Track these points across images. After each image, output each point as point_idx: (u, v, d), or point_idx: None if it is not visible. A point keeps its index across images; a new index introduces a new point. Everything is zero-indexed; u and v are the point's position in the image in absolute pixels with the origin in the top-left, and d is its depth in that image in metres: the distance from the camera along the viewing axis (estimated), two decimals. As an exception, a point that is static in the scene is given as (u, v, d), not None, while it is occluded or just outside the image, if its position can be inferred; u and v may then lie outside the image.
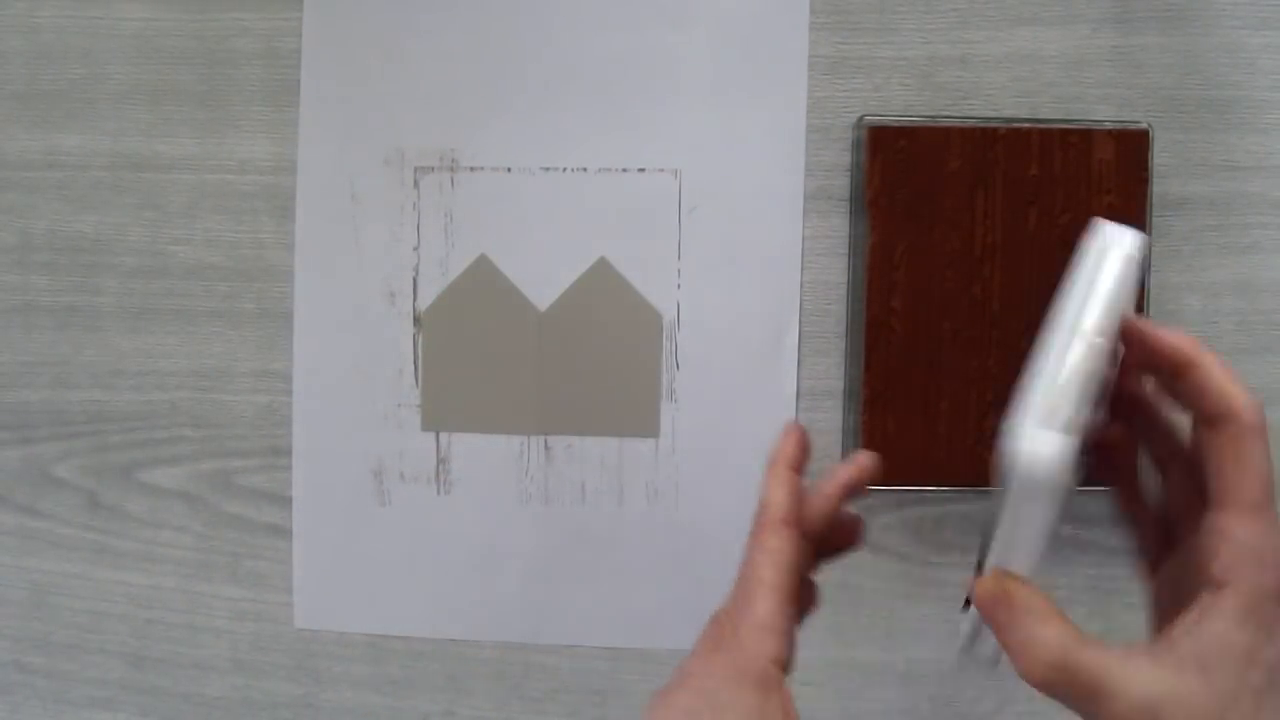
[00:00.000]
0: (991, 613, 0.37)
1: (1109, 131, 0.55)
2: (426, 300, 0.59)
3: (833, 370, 0.58)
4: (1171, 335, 0.38)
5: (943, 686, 0.59)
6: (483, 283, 0.59)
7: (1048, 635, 0.35)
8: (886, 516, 0.59)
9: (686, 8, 0.57)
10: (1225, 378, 0.37)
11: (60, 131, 0.60)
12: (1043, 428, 0.35)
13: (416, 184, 0.59)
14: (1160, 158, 0.56)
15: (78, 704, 0.62)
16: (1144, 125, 0.55)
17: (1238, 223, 0.57)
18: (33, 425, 0.61)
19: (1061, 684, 0.35)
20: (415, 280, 0.59)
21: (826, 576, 0.59)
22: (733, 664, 0.38)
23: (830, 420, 0.58)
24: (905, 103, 0.57)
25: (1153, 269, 0.56)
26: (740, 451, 0.58)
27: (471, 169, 0.59)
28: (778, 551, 0.41)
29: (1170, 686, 0.34)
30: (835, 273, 0.58)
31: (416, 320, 0.59)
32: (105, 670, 0.61)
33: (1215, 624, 0.35)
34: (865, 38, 0.57)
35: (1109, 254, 0.40)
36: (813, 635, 0.59)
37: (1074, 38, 0.56)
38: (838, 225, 0.57)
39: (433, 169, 0.59)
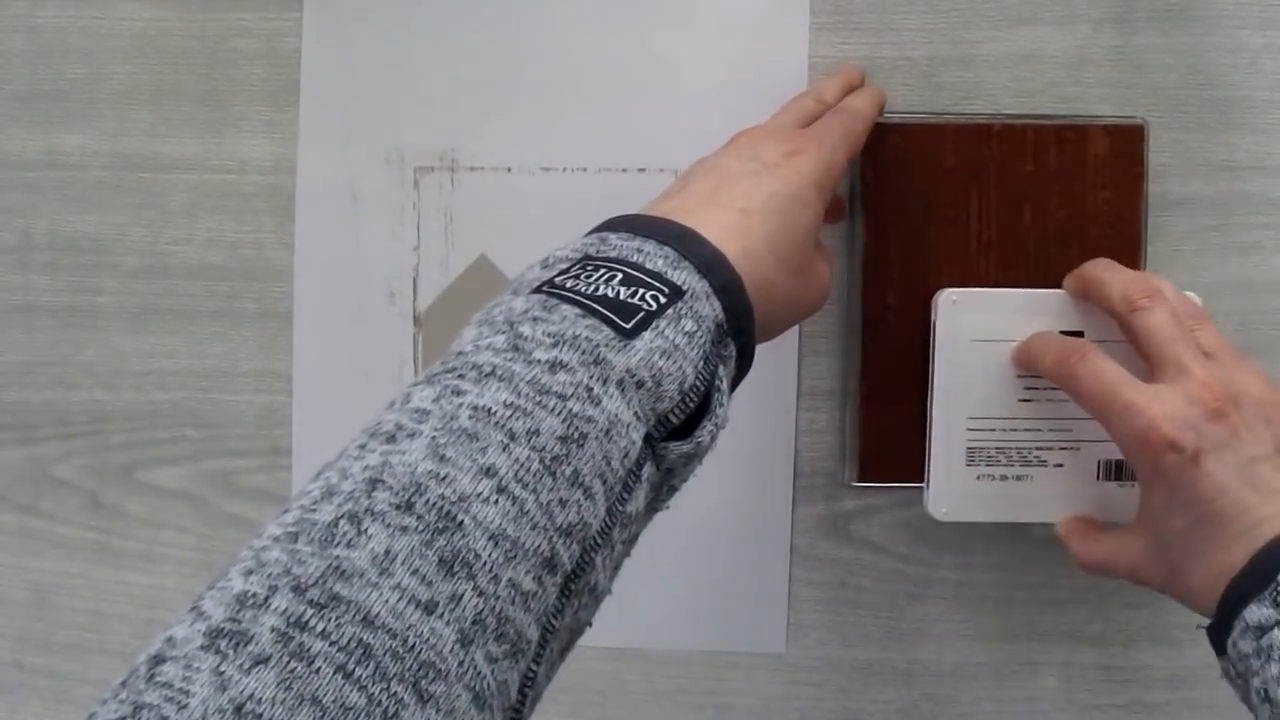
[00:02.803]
0: (1067, 542, 0.52)
1: (1104, 127, 0.54)
2: (426, 300, 0.59)
3: (833, 370, 0.58)
4: (1075, 273, 0.52)
5: (942, 686, 0.59)
6: (483, 283, 0.59)
7: (1097, 551, 0.50)
8: (886, 516, 0.59)
9: (686, 8, 0.57)
10: (1106, 277, 0.50)
11: (60, 131, 0.60)
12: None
13: (416, 184, 0.59)
14: (1160, 157, 0.56)
15: (78, 704, 0.62)
16: (1139, 120, 0.55)
17: (1238, 223, 0.57)
18: (33, 425, 0.61)
19: (1103, 574, 0.50)
20: (415, 280, 0.59)
21: (826, 576, 0.59)
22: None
23: (830, 420, 0.58)
24: (906, 103, 0.56)
25: (1152, 269, 0.56)
26: (739, 452, 0.58)
27: (471, 169, 0.59)
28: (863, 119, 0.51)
29: (1136, 549, 0.48)
30: (834, 273, 0.58)
31: (416, 320, 0.59)
32: (106, 670, 0.61)
33: (1142, 495, 0.47)
34: (865, 38, 0.57)
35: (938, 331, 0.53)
36: (813, 635, 0.59)
37: (1075, 37, 0.56)
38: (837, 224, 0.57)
39: (433, 169, 0.59)
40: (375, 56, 0.59)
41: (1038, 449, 0.53)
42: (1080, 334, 0.52)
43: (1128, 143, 0.54)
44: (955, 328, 0.53)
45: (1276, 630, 0.40)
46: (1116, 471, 0.53)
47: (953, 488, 0.53)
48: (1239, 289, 0.57)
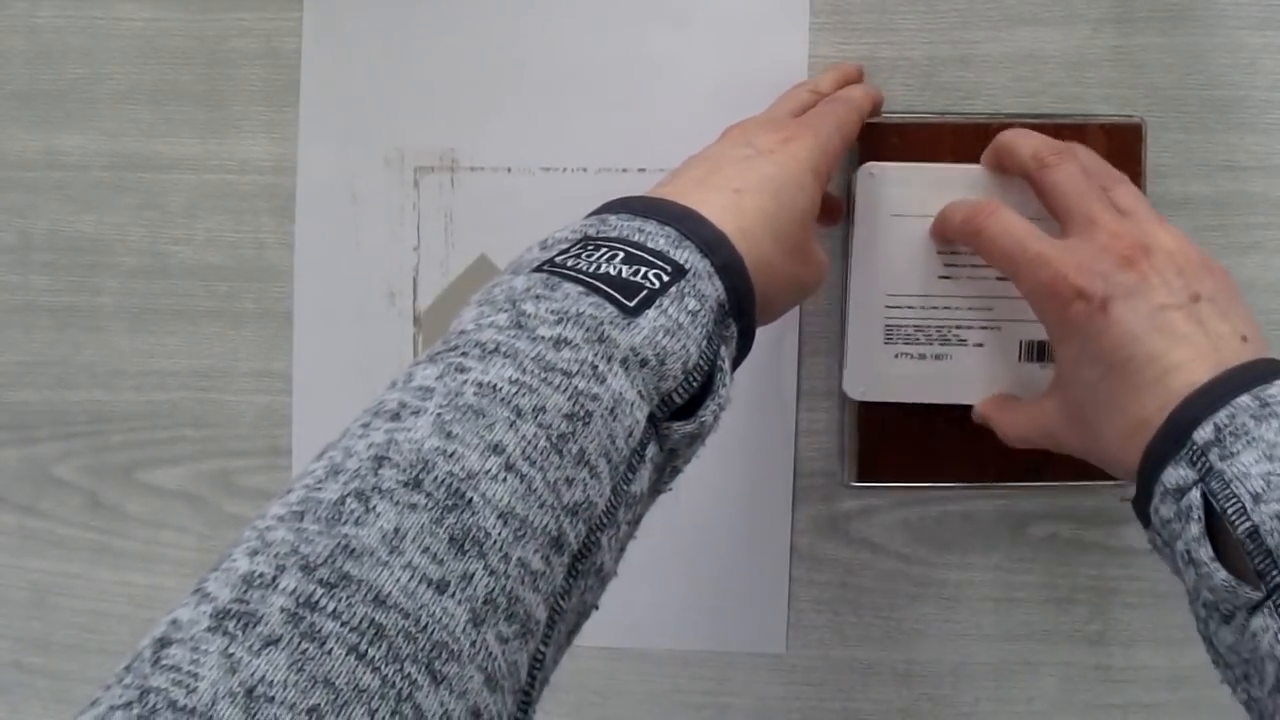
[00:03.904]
0: (989, 419, 0.51)
1: (1101, 126, 0.54)
2: (426, 300, 0.59)
3: (833, 370, 0.58)
4: (990, 143, 0.51)
5: (942, 686, 0.59)
6: (482, 283, 0.58)
7: (1018, 421, 0.49)
8: (886, 516, 0.59)
9: (686, 8, 0.57)
10: (1017, 141, 0.49)
11: (60, 131, 0.60)
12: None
13: (416, 184, 0.59)
14: (1161, 157, 0.56)
15: (78, 704, 0.61)
16: (1137, 119, 0.55)
17: (1238, 223, 0.57)
18: (33, 425, 0.61)
19: (1026, 445, 0.49)
20: (415, 280, 0.59)
21: (826, 576, 0.59)
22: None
23: (830, 420, 0.58)
24: (906, 103, 0.56)
25: (1153, 269, 0.56)
26: (739, 452, 0.58)
27: (471, 169, 0.59)
28: (857, 109, 0.50)
29: (1051, 412, 0.47)
30: (834, 273, 0.58)
31: (416, 320, 0.59)
32: (105, 670, 0.61)
33: (1056, 351, 0.46)
34: (865, 38, 0.57)
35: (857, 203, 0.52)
36: (813, 635, 0.59)
37: (1075, 38, 0.56)
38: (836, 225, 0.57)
39: (433, 169, 0.59)
40: (375, 56, 0.59)
41: (957, 328, 0.52)
42: None
43: (1126, 142, 0.54)
44: (874, 201, 0.52)
45: (1194, 490, 0.39)
46: (1038, 352, 0.52)
47: (870, 367, 0.52)
48: (1239, 289, 0.57)
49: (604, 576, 0.35)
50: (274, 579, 0.28)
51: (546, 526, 0.32)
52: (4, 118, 0.60)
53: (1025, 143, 0.49)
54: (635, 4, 0.58)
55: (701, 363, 0.37)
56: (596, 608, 0.36)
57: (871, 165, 0.52)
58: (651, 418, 0.36)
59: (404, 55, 0.58)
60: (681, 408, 0.37)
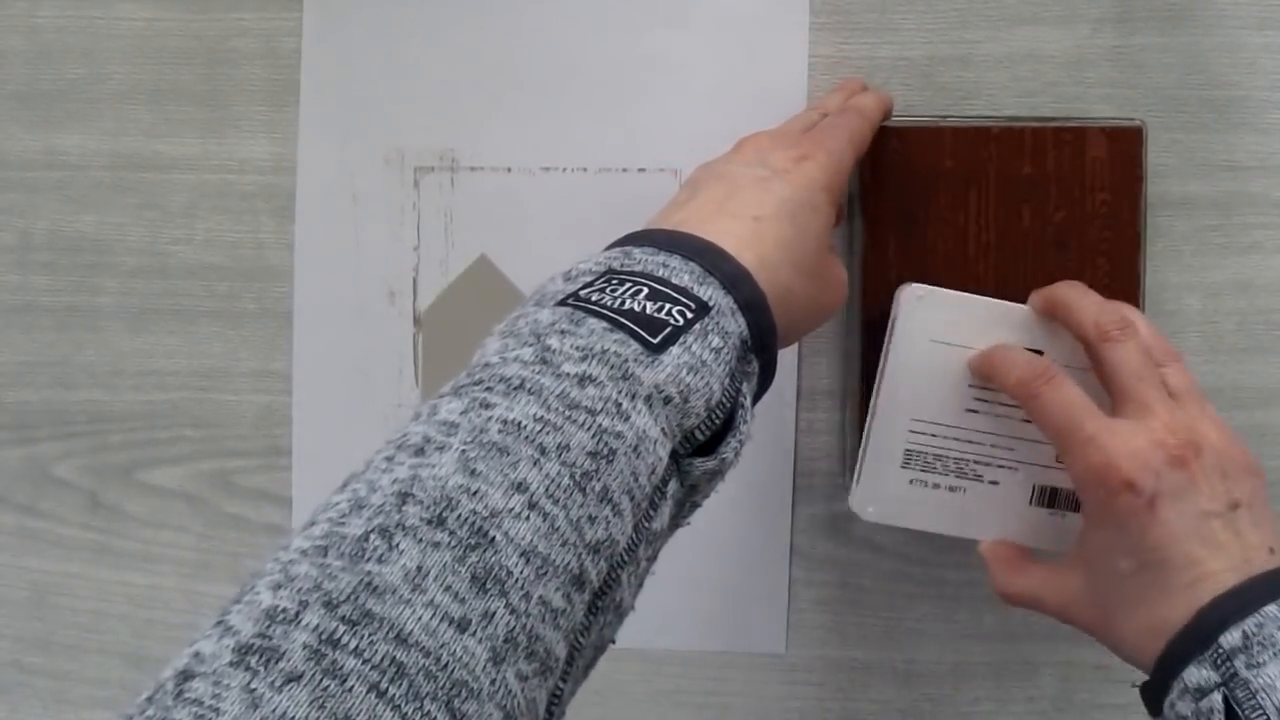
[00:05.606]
0: (990, 567, 0.50)
1: (1102, 129, 0.54)
2: (426, 300, 0.59)
3: (833, 370, 0.58)
4: (1043, 292, 0.50)
5: (942, 686, 0.59)
6: (483, 283, 0.59)
7: (1024, 582, 0.48)
8: (886, 517, 0.59)
9: (686, 8, 0.57)
10: (1077, 301, 0.49)
11: (60, 131, 0.60)
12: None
13: (416, 184, 0.59)
14: (1161, 158, 0.56)
15: (78, 704, 0.62)
16: (1138, 123, 0.55)
17: (1238, 223, 0.57)
18: (33, 425, 0.61)
19: (1026, 607, 0.48)
20: (415, 280, 0.59)
21: (826, 576, 0.59)
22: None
23: (830, 420, 0.58)
24: (906, 103, 0.56)
25: (1153, 269, 0.56)
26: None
27: (471, 169, 0.59)
28: (867, 121, 0.50)
29: (1071, 587, 0.46)
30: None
31: (416, 320, 0.59)
32: (105, 670, 0.61)
33: (1086, 532, 0.45)
34: (865, 38, 0.57)
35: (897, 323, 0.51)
36: (813, 635, 0.59)
37: (1074, 37, 0.56)
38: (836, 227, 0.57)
39: (433, 169, 0.59)
40: (375, 56, 0.59)
41: (976, 463, 0.51)
42: (1040, 354, 0.50)
43: (1126, 145, 0.54)
44: (916, 324, 0.51)
45: (1216, 693, 0.39)
46: (1050, 498, 0.51)
47: (883, 488, 0.52)
48: (1239, 289, 0.57)
49: (622, 612, 0.35)
50: (297, 614, 0.29)
51: (568, 565, 0.32)
52: (4, 118, 0.60)
53: (1088, 307, 0.48)
54: (635, 4, 0.58)
55: (724, 399, 0.37)
56: (614, 641, 0.36)
57: (919, 287, 0.51)
58: (673, 454, 0.36)
59: (404, 55, 0.58)
60: (703, 444, 0.37)
